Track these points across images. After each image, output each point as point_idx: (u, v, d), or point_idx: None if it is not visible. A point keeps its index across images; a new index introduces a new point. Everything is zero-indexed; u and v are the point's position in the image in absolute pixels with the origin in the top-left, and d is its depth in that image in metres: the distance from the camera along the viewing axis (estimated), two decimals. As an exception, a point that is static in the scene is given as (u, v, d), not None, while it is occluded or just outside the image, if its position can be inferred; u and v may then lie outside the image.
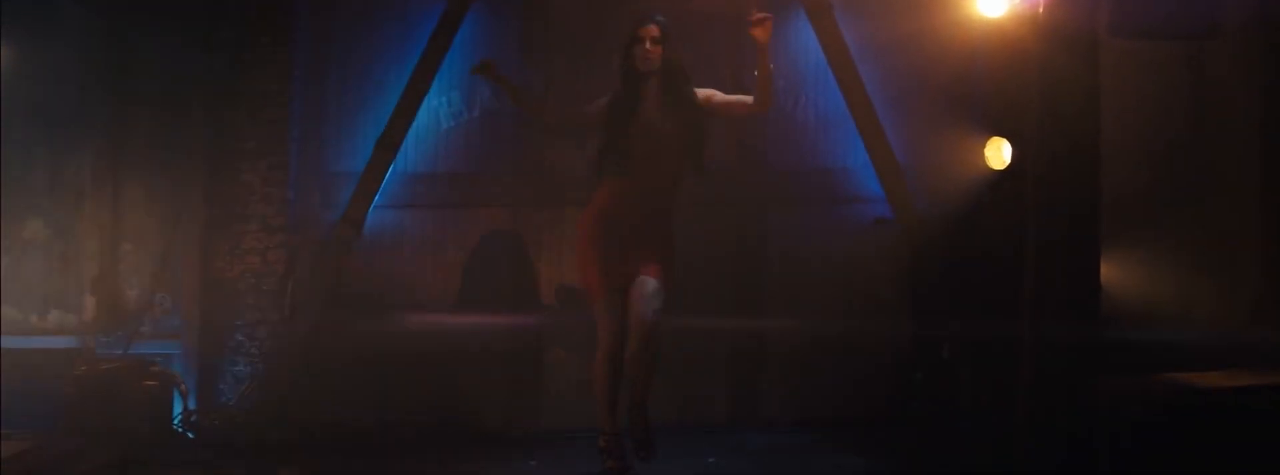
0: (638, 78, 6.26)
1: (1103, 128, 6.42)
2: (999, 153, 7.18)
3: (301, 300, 7.79)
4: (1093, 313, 6.32)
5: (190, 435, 7.56)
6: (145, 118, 8.08)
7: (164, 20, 7.94)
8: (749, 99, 6.22)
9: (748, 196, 8.05)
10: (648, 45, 6.19)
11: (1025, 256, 6.44)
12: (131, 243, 8.11)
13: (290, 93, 7.93)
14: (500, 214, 8.08)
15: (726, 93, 6.41)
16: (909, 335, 7.86)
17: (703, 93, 6.29)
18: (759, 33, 6.02)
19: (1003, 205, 7.11)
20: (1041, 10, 6.36)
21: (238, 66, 7.90)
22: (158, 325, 8.05)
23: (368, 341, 7.75)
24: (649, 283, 6.19)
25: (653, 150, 6.21)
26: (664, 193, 6.29)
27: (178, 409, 7.56)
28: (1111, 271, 6.55)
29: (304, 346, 7.74)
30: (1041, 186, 6.34)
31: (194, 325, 7.95)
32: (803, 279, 8.00)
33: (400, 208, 8.03)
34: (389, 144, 7.83)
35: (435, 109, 8.04)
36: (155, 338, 8.01)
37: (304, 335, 7.73)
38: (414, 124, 7.89)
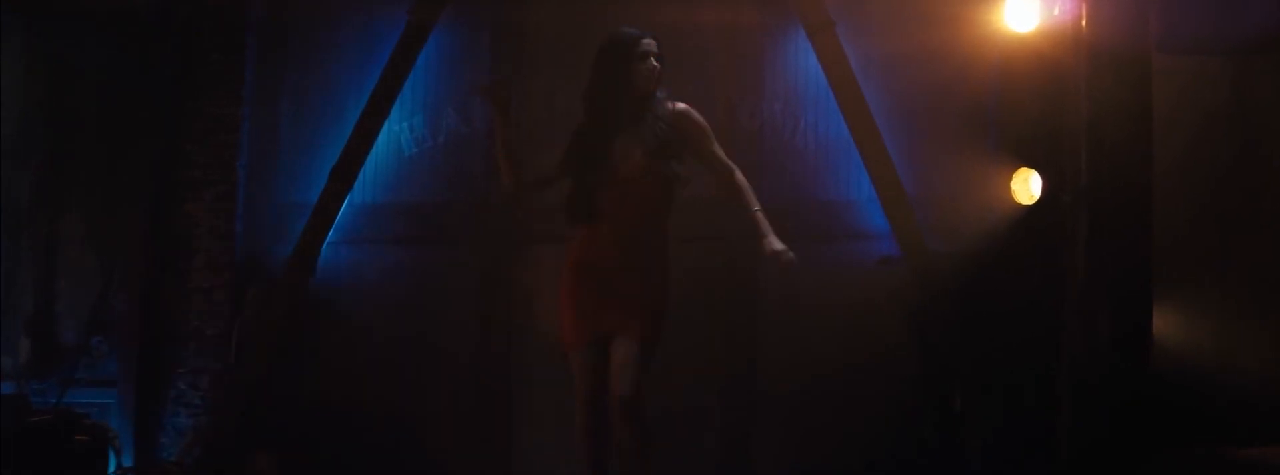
0: (627, 100, 5.36)
1: (1144, 156, 5.61)
2: (1026, 186, 6.31)
3: (249, 345, 7.06)
4: (1143, 368, 5.50)
5: (125, 496, 6.74)
6: (86, 144, 7.38)
7: (107, 38, 7.30)
8: (723, 175, 5.51)
9: (739, 232, 6.82)
10: (653, 62, 5.32)
11: (1063, 304, 5.71)
12: (68, 280, 7.39)
13: (240, 116, 7.21)
14: (466, 250, 7.35)
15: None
16: (917, 385, 7.04)
17: (681, 110, 5.44)
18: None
19: (1029, 245, 6.28)
20: (1084, 24, 5.57)
21: (183, 87, 7.20)
22: (94, 371, 7.29)
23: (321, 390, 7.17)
24: (629, 348, 5.25)
25: (633, 181, 5.35)
26: (649, 228, 5.41)
27: (112, 467, 6.75)
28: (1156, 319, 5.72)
29: (251, 397, 7.03)
30: (1086, 225, 5.58)
31: (132, 372, 7.18)
32: (799, 323, 7.21)
33: (357, 242, 7.30)
34: (345, 173, 7.11)
35: (396, 135, 7.32)
36: (92, 385, 7.26)
37: (252, 384, 7.03)
38: (373, 151, 7.17)
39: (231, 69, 7.19)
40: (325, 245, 7.15)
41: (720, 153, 5.48)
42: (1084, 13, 5.57)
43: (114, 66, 7.28)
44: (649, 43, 5.33)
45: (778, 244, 5.27)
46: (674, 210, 5.47)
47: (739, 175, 5.48)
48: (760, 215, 5.37)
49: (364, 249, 7.32)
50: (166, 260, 7.17)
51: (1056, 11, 5.88)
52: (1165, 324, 5.87)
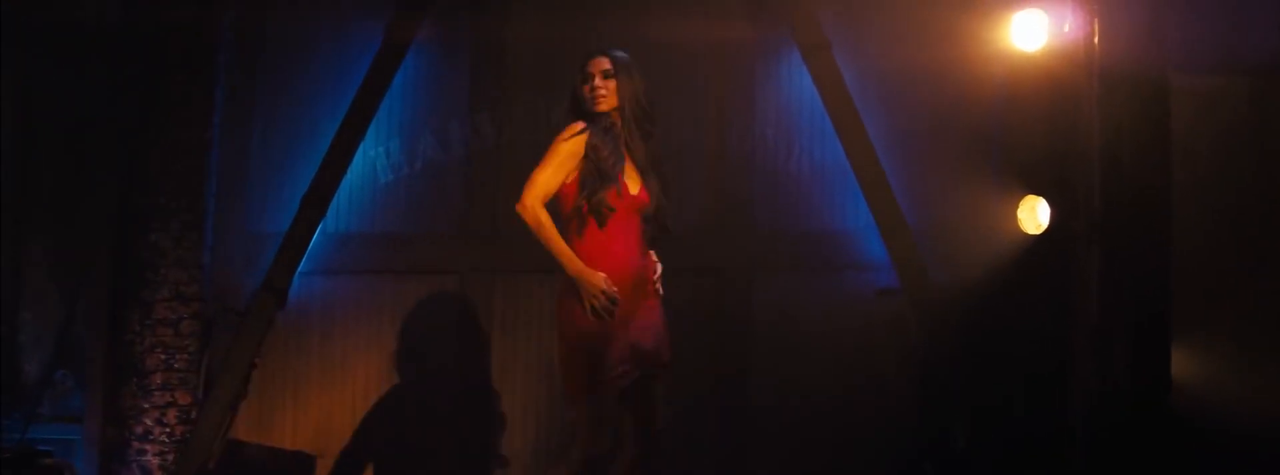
0: (590, 119, 5.20)
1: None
2: (1034, 214, 6.01)
3: (218, 380, 6.80)
4: (1162, 410, 5.22)
5: (87, 541, 6.52)
6: (51, 169, 7.10)
7: (69, 58, 7.01)
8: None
9: (731, 262, 7.14)
10: (597, 81, 5.13)
11: (1074, 341, 5.41)
12: (32, 311, 7.10)
13: (208, 140, 6.91)
14: (446, 282, 7.12)
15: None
16: (917, 422, 6.85)
17: None
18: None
19: (1037, 277, 5.97)
20: (1097, 42, 5.27)
21: (148, 110, 6.88)
22: (58, 406, 7.03)
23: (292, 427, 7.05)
24: (662, 383, 5.19)
25: (643, 207, 5.17)
26: (645, 254, 5.22)
27: (75, 509, 6.50)
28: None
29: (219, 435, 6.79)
30: (1100, 256, 5.28)
31: (97, 408, 6.89)
32: (794, 357, 7.02)
33: (330, 274, 7.08)
34: (317, 200, 6.86)
35: (372, 161, 7.10)
36: (55, 421, 6.99)
37: (220, 421, 6.77)
38: (347, 178, 6.95)
39: (199, 91, 6.90)
40: (297, 276, 6.93)
41: None
42: (1097, 30, 5.29)
43: (77, 88, 7.02)
44: (598, 61, 5.18)
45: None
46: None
47: None
48: None
49: (337, 280, 7.12)
50: (132, 291, 6.88)
51: (1067, 28, 5.59)
52: (1183, 361, 5.54)
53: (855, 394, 6.95)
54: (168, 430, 6.76)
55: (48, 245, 7.11)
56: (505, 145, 7.05)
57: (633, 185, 5.10)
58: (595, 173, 5.01)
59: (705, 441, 7.05)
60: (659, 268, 5.16)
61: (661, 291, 5.17)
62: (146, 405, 6.77)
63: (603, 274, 4.86)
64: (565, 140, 5.03)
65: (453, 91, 7.11)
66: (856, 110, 6.91)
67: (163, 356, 6.79)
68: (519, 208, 4.91)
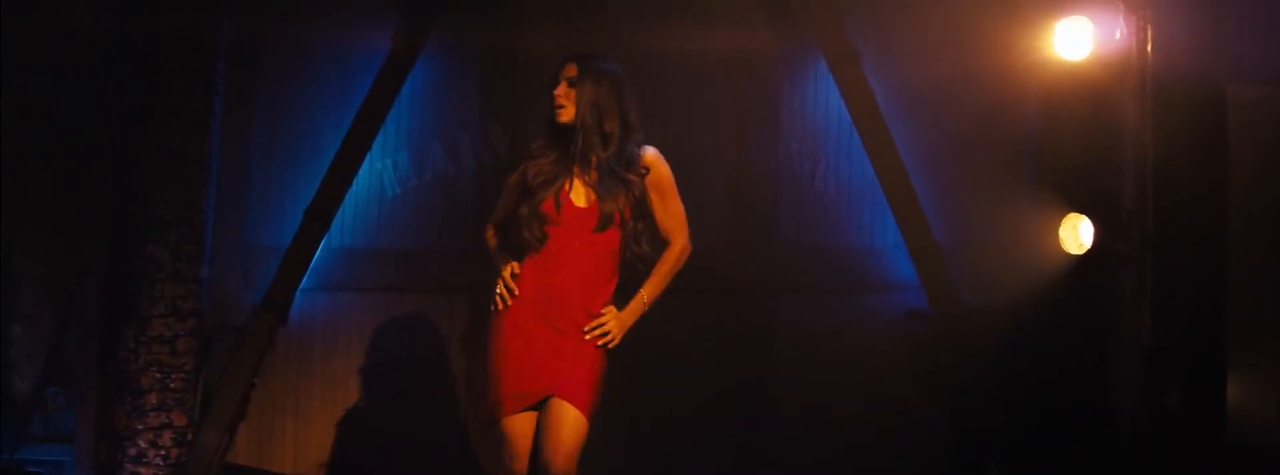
0: (557, 132, 4.99)
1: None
2: (1076, 233, 5.84)
3: (215, 400, 6.62)
4: (1217, 445, 4.98)
5: (77, 568, 6.36)
6: (44, 178, 6.93)
7: (62, 64, 6.82)
8: (667, 237, 5.00)
9: (752, 282, 6.95)
10: (560, 88, 4.92)
11: (1118, 369, 5.32)
12: (23, 325, 6.94)
13: (206, 150, 6.69)
14: (455, 299, 6.91)
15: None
16: (947, 450, 6.71)
17: (650, 156, 5.01)
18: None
19: (1077, 300, 5.85)
20: (1150, 51, 5.08)
21: (144, 118, 6.68)
22: (49, 425, 6.88)
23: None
24: (566, 412, 4.78)
25: (580, 223, 4.91)
26: (591, 281, 4.94)
27: (64, 535, 6.35)
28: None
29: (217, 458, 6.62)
30: (1152, 280, 5.07)
31: (89, 427, 6.70)
32: (818, 381, 6.86)
33: (334, 290, 6.87)
34: (321, 213, 6.66)
35: (378, 173, 6.88)
36: (46, 440, 6.84)
37: (218, 443, 6.60)
38: (352, 191, 6.76)
39: (198, 98, 6.67)
40: (299, 292, 6.74)
41: (678, 213, 5.04)
42: (1149, 38, 5.09)
43: (72, 95, 6.85)
44: (567, 67, 4.96)
45: (608, 325, 4.86)
46: (621, 265, 5.06)
47: (678, 250, 5.04)
48: (643, 300, 4.94)
49: (341, 297, 6.92)
50: (126, 306, 6.68)
51: (1118, 35, 5.39)
52: (1236, 390, 5.31)
53: (881, 421, 6.80)
54: (163, 452, 6.58)
55: (40, 257, 6.96)
56: (517, 158, 6.74)
57: (579, 199, 4.88)
58: (524, 189, 4.93)
59: (723, 469, 6.90)
60: (606, 319, 4.84)
61: (607, 345, 4.90)
62: (141, 426, 6.57)
63: (512, 264, 4.92)
64: (512, 176, 5.08)
65: (463, 102, 6.93)
66: (885, 123, 6.78)
67: (158, 375, 6.60)
68: None
